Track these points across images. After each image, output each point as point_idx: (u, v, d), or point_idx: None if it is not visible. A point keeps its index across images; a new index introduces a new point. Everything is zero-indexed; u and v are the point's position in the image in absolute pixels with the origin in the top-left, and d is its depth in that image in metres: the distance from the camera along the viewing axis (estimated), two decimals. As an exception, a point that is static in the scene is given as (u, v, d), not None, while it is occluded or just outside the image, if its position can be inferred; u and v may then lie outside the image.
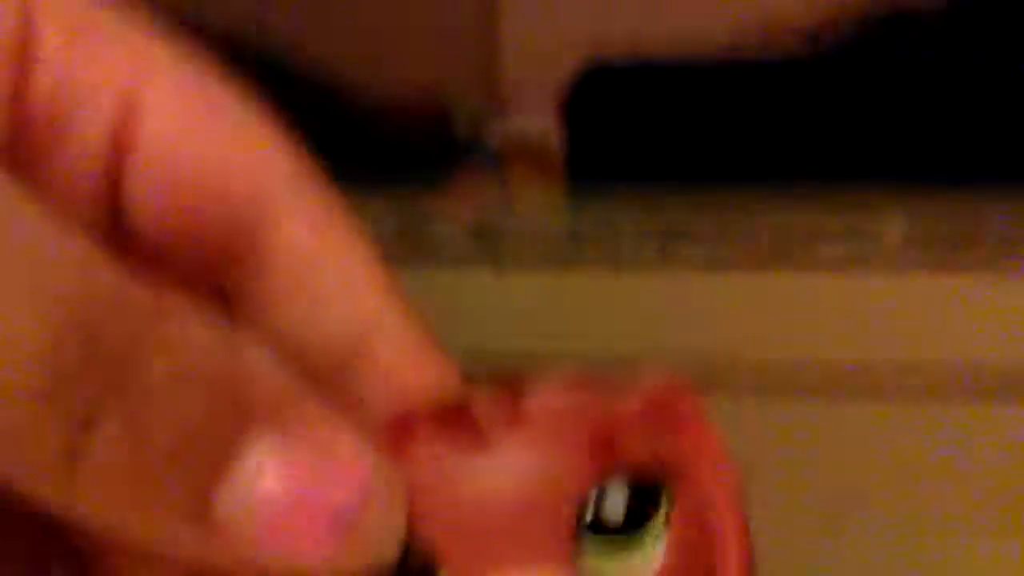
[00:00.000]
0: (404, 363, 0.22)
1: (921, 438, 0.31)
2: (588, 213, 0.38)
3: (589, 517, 0.21)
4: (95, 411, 0.15)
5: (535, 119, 0.53)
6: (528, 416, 0.21)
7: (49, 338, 0.14)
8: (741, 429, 0.26)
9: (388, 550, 0.19)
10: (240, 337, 0.17)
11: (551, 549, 0.20)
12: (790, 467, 0.32)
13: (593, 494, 0.21)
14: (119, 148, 0.19)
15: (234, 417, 0.16)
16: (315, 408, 0.18)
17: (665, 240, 0.29)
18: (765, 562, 0.22)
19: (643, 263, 0.29)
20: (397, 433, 0.21)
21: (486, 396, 0.21)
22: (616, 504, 0.21)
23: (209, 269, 0.20)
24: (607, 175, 0.38)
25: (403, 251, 0.27)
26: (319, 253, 0.21)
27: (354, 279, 0.21)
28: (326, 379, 0.20)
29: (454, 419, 0.21)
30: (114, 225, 0.20)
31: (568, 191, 0.51)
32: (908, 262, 0.30)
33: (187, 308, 0.16)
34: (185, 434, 0.16)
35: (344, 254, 0.21)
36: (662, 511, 0.22)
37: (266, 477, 0.17)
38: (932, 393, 0.30)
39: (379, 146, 0.58)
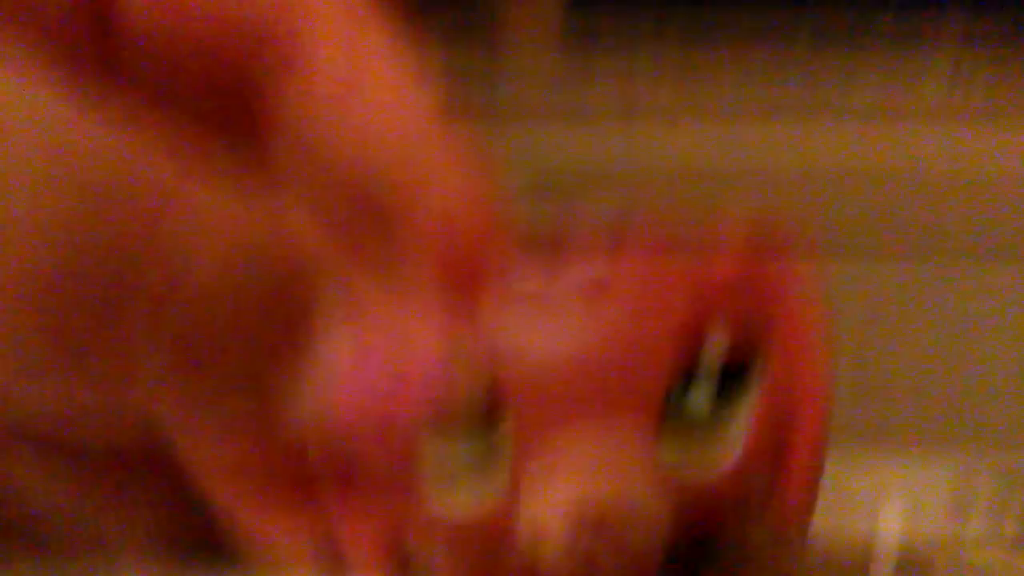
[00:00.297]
0: (462, 204, 0.19)
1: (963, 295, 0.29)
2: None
3: (673, 401, 0.19)
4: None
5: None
6: (617, 276, 0.20)
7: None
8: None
9: (470, 407, 0.18)
10: (280, 208, 0.15)
11: (630, 415, 0.19)
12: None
13: (679, 380, 0.19)
14: None
15: (295, 310, 0.15)
16: (376, 283, 0.16)
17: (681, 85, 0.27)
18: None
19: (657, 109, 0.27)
20: (475, 276, 0.19)
21: (573, 245, 0.20)
22: (702, 392, 0.20)
23: (223, 89, 0.18)
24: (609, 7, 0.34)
25: None
26: (359, 75, 0.18)
27: (399, 106, 0.19)
28: (378, 224, 0.19)
29: (539, 269, 0.20)
30: (102, 34, 0.18)
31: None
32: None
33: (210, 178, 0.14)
34: (242, 337, 0.15)
35: (385, 75, 0.18)
36: (748, 396, 0.20)
37: (340, 375, 0.15)
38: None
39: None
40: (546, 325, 0.19)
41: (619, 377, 0.19)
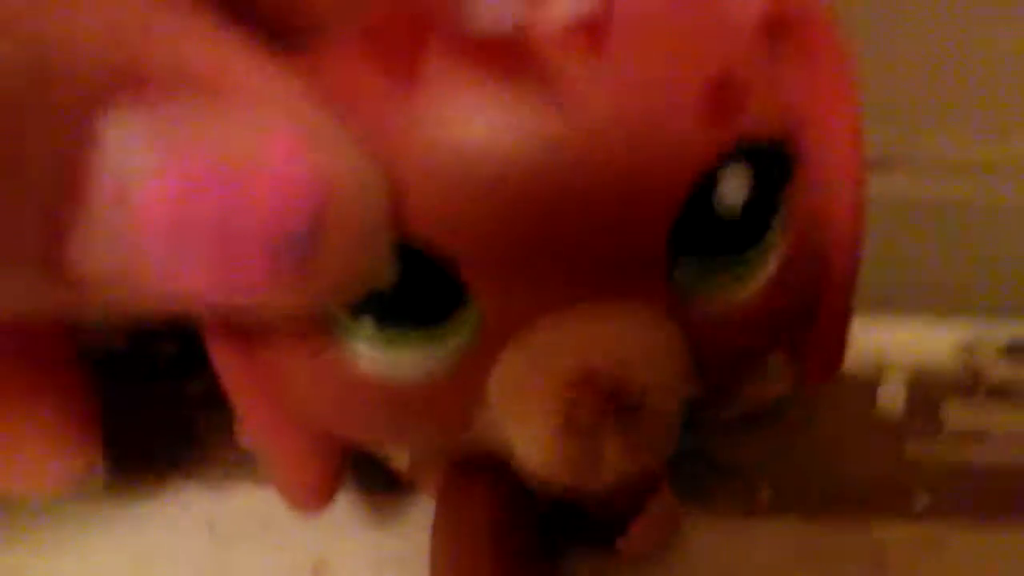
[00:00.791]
0: None
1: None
2: None
3: (694, 205, 0.14)
4: None
5: None
6: (617, 35, 0.14)
7: None
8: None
9: (365, 268, 0.13)
10: None
11: (640, 277, 0.15)
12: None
13: (707, 174, 0.14)
14: None
15: (84, 87, 0.10)
16: (204, 69, 0.12)
17: None
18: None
19: None
20: (406, 46, 0.14)
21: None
22: (738, 183, 0.15)
23: None
24: None
25: None
26: None
27: None
28: None
29: (498, 42, 0.14)
30: None
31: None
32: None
33: None
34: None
35: None
36: (787, 186, 0.16)
37: (143, 199, 0.11)
38: None
39: None
40: (513, 110, 0.13)
41: (628, 193, 0.14)
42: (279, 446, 0.17)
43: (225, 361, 0.16)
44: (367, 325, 0.15)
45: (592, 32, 0.13)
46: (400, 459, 0.21)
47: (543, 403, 0.14)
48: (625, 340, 0.14)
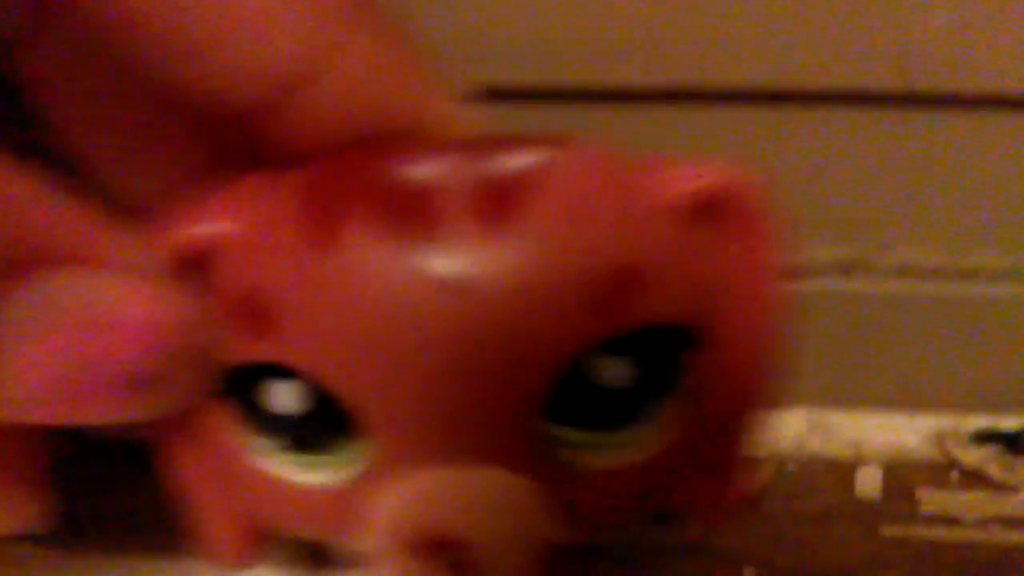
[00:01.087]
0: (366, 93, 0.17)
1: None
2: None
3: (572, 380, 0.15)
4: None
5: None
6: (517, 216, 0.15)
7: None
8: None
9: (193, 386, 0.17)
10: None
11: (515, 419, 0.15)
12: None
13: (589, 353, 0.15)
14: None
15: None
16: (77, 249, 0.16)
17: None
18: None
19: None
20: (322, 204, 0.15)
21: (462, 173, 0.15)
22: (616, 368, 0.15)
23: None
24: None
25: None
26: None
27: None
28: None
29: (406, 197, 0.15)
30: None
31: None
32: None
33: None
34: None
35: None
36: (684, 366, 0.16)
37: (29, 362, 0.15)
38: None
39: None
40: (415, 277, 0.14)
41: (505, 364, 0.15)
42: (205, 501, 0.19)
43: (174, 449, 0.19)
44: (276, 442, 0.17)
45: (500, 204, 0.14)
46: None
47: (391, 550, 0.16)
48: (481, 507, 0.15)
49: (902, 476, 0.32)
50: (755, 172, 0.17)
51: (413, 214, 0.14)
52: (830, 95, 0.27)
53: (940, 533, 0.30)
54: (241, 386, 0.16)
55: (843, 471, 0.33)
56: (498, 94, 0.25)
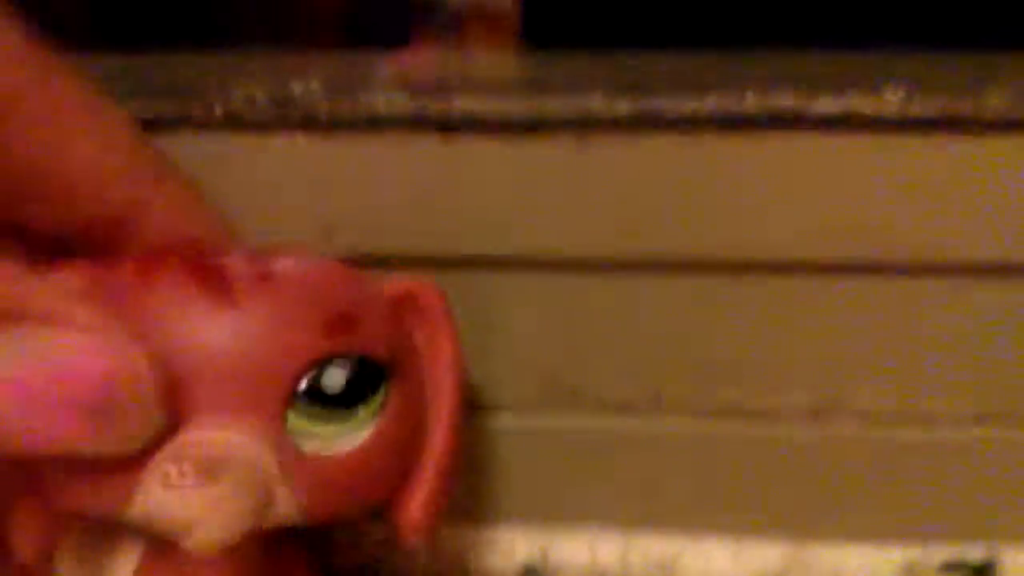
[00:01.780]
0: (176, 220, 0.25)
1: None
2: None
3: (307, 383, 0.23)
4: None
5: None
6: (275, 282, 0.24)
7: None
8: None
9: (145, 423, 0.21)
10: None
11: (264, 405, 0.23)
12: None
13: (318, 366, 0.23)
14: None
15: None
16: (48, 300, 0.20)
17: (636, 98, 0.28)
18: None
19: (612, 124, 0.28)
20: (146, 267, 0.24)
21: (242, 256, 0.24)
22: (337, 377, 0.24)
23: None
24: (564, 40, 0.34)
25: (346, 115, 0.28)
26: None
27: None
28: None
29: (206, 268, 0.24)
30: None
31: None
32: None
33: None
34: None
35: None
36: (380, 392, 0.25)
37: None
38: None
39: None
40: (203, 317, 0.23)
41: (257, 374, 0.23)
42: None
43: None
44: None
45: (261, 277, 0.24)
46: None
47: (154, 470, 0.22)
48: (222, 438, 0.23)
49: (875, 605, 0.34)
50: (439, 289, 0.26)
51: (211, 278, 0.23)
52: (785, 265, 0.30)
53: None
54: None
55: (821, 600, 0.35)
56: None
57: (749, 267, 0.30)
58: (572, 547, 0.36)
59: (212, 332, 0.23)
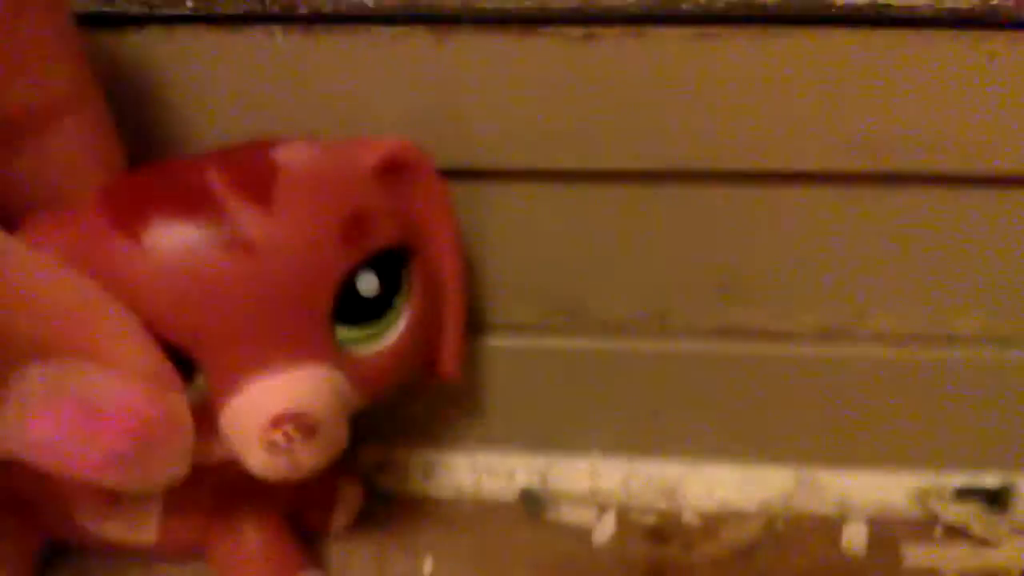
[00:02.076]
0: (86, 145, 0.23)
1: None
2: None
3: (344, 297, 0.23)
4: None
5: None
6: (277, 190, 0.22)
7: None
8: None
9: (172, 470, 0.21)
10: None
11: (311, 346, 0.22)
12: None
13: (350, 276, 0.23)
14: None
15: None
16: (89, 343, 0.20)
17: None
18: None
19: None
20: (124, 206, 0.21)
21: (226, 171, 0.22)
22: (371, 281, 0.23)
23: None
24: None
25: (327, 9, 0.26)
26: None
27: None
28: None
29: (192, 194, 0.21)
30: None
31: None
32: None
33: None
34: None
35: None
36: (406, 277, 0.25)
37: (33, 420, 0.19)
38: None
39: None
40: (207, 246, 0.21)
41: (291, 310, 0.22)
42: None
43: None
44: None
45: (260, 188, 0.22)
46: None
47: (254, 436, 0.22)
48: (305, 391, 0.22)
49: (887, 532, 0.33)
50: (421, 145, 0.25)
51: (200, 204, 0.21)
52: (803, 175, 0.28)
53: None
54: None
55: (830, 528, 0.34)
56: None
57: (764, 177, 0.28)
58: (572, 473, 0.35)
59: (232, 280, 0.21)
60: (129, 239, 0.21)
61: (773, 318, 0.31)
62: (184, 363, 0.22)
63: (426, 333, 0.26)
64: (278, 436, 0.22)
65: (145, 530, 0.29)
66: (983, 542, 0.33)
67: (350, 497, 0.33)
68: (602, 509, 0.34)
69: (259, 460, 0.22)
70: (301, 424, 0.22)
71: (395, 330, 0.25)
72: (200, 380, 0.22)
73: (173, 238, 0.21)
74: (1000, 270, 0.30)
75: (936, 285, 0.30)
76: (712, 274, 0.31)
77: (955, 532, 0.33)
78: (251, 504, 0.29)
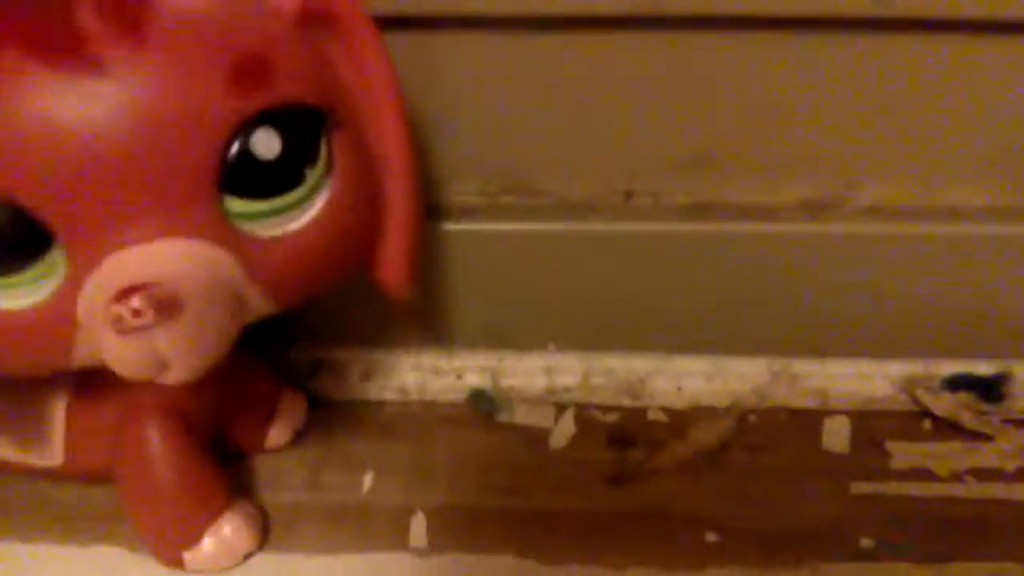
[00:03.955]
0: None
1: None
2: None
3: (234, 157, 0.19)
4: None
5: None
6: (153, 26, 0.18)
7: None
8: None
9: None
10: None
11: (187, 216, 0.19)
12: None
13: (241, 132, 0.19)
14: None
15: None
16: None
17: None
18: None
19: None
20: None
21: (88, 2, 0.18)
22: (269, 141, 0.19)
23: None
24: None
25: None
26: None
27: None
28: None
29: (50, 30, 0.18)
30: None
31: None
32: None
33: None
34: None
35: None
36: (322, 145, 0.20)
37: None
38: None
39: None
40: (67, 97, 0.17)
41: (166, 167, 0.18)
42: None
43: None
44: None
45: (131, 28, 0.18)
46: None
47: (103, 317, 0.18)
48: (166, 265, 0.18)
49: (871, 427, 0.31)
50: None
51: (59, 39, 0.17)
52: (797, 19, 0.24)
53: (913, 489, 0.29)
54: None
55: (808, 424, 0.31)
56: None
57: (744, 21, 0.24)
58: (527, 370, 0.31)
59: (82, 117, 0.17)
60: None
61: (753, 192, 0.28)
62: (37, 234, 0.18)
63: (357, 222, 0.22)
64: (123, 309, 0.18)
65: (48, 454, 0.26)
66: (976, 437, 0.30)
67: (291, 411, 0.29)
68: (559, 409, 0.31)
69: (112, 350, 0.19)
70: (153, 297, 0.18)
71: (307, 210, 0.20)
72: (56, 256, 0.18)
73: (20, 73, 0.17)
74: (1007, 133, 0.27)
75: (936, 150, 0.27)
76: (684, 142, 0.27)
77: (945, 426, 0.30)
78: (163, 426, 0.25)
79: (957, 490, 0.29)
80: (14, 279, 0.18)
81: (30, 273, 0.18)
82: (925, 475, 0.29)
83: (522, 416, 0.31)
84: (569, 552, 0.27)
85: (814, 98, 0.26)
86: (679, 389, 0.32)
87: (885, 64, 0.25)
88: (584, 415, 0.31)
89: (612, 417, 0.31)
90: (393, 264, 0.23)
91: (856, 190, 0.28)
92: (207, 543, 0.25)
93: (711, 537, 0.27)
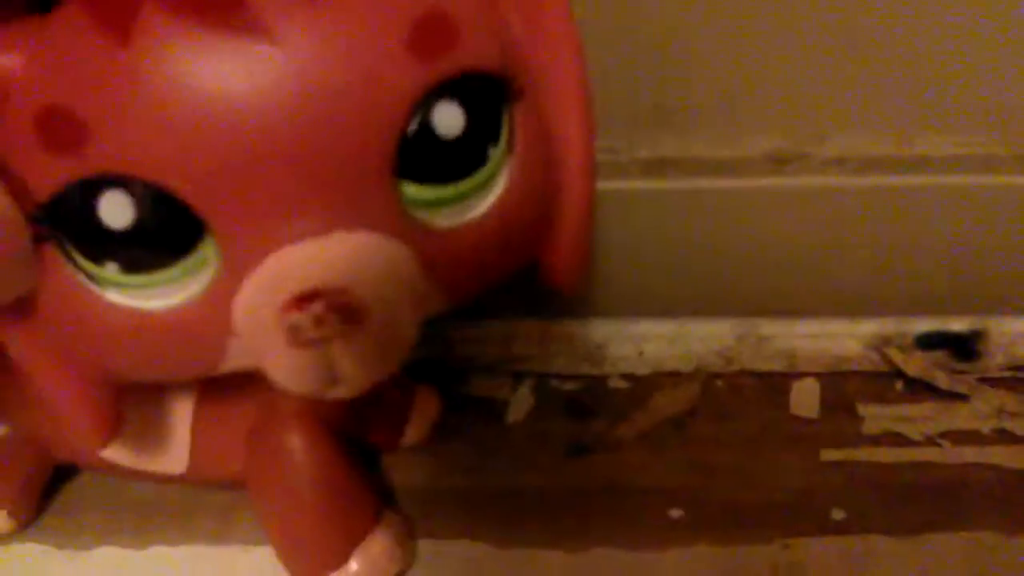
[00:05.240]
0: None
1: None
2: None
3: (413, 134, 0.16)
4: None
5: None
6: None
7: None
8: None
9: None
10: None
11: (363, 206, 0.16)
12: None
13: (421, 105, 0.16)
14: None
15: None
16: None
17: None
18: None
19: None
20: (120, 5, 0.15)
21: None
22: (452, 114, 0.16)
23: None
24: None
25: None
26: None
27: None
28: None
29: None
30: None
31: None
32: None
33: None
34: None
35: None
36: (504, 120, 0.17)
37: None
38: None
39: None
40: (229, 60, 0.15)
41: (345, 128, 0.15)
42: (61, 395, 0.19)
43: (9, 334, 0.18)
44: (112, 269, 0.16)
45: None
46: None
47: (272, 324, 0.15)
48: (347, 264, 0.15)
49: (841, 389, 0.29)
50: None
51: (212, 5, 0.15)
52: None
53: (886, 455, 0.27)
54: (70, 214, 0.16)
55: (776, 387, 0.30)
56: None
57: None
58: (482, 338, 0.30)
59: (241, 88, 0.15)
60: (114, 40, 0.15)
61: (716, 145, 0.27)
62: (187, 225, 0.15)
63: (537, 207, 0.19)
64: (302, 317, 0.15)
65: (172, 461, 0.23)
66: (951, 397, 0.29)
67: (426, 406, 0.27)
68: (517, 379, 0.29)
69: (281, 362, 0.16)
70: (337, 305, 0.15)
71: (487, 196, 0.17)
72: (207, 250, 0.16)
73: (173, 41, 0.15)
74: (981, 79, 0.25)
75: (908, 98, 0.25)
76: (643, 93, 0.25)
77: (918, 387, 0.29)
78: (307, 434, 0.22)
79: (932, 455, 0.27)
80: (156, 276, 0.16)
81: (174, 270, 0.16)
82: (898, 439, 0.28)
83: (478, 388, 0.29)
84: (527, 535, 0.25)
85: (778, 43, 0.24)
86: (640, 354, 0.30)
87: (855, 10, 0.24)
88: (542, 384, 0.30)
89: (572, 385, 0.29)
90: (566, 254, 0.20)
91: (824, 141, 0.26)
92: (354, 566, 0.23)
93: (675, 513, 0.26)
